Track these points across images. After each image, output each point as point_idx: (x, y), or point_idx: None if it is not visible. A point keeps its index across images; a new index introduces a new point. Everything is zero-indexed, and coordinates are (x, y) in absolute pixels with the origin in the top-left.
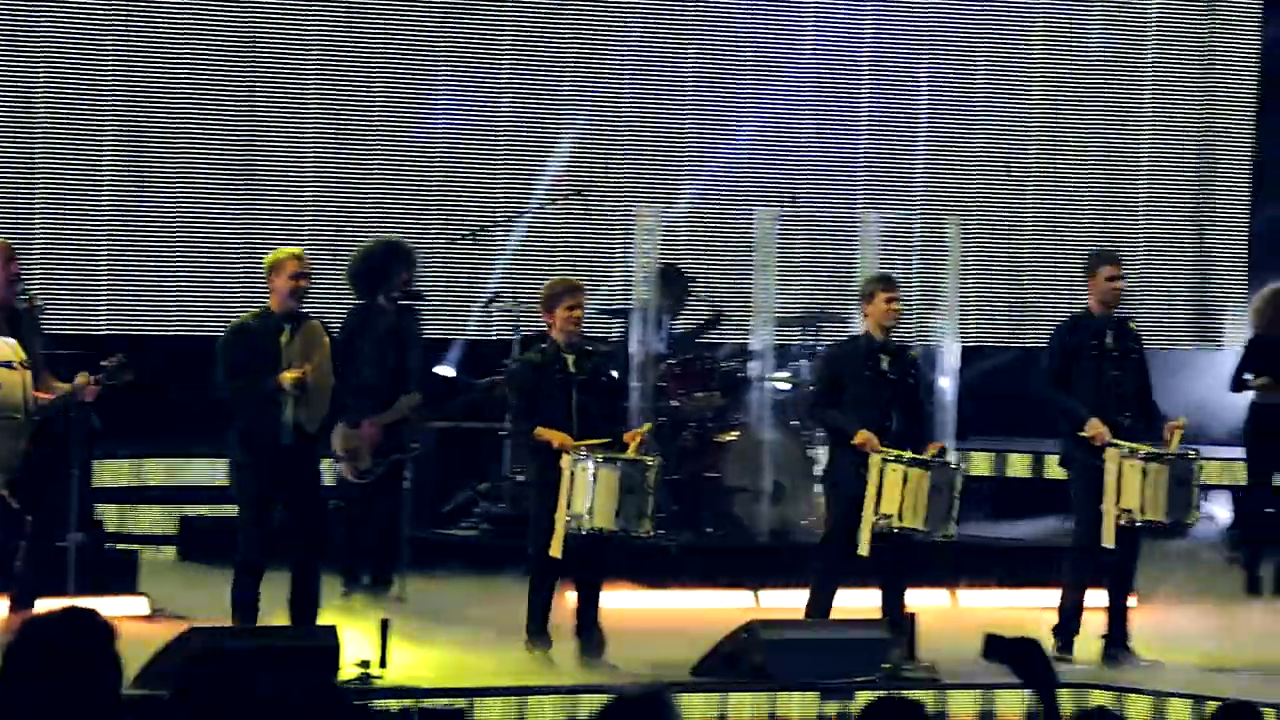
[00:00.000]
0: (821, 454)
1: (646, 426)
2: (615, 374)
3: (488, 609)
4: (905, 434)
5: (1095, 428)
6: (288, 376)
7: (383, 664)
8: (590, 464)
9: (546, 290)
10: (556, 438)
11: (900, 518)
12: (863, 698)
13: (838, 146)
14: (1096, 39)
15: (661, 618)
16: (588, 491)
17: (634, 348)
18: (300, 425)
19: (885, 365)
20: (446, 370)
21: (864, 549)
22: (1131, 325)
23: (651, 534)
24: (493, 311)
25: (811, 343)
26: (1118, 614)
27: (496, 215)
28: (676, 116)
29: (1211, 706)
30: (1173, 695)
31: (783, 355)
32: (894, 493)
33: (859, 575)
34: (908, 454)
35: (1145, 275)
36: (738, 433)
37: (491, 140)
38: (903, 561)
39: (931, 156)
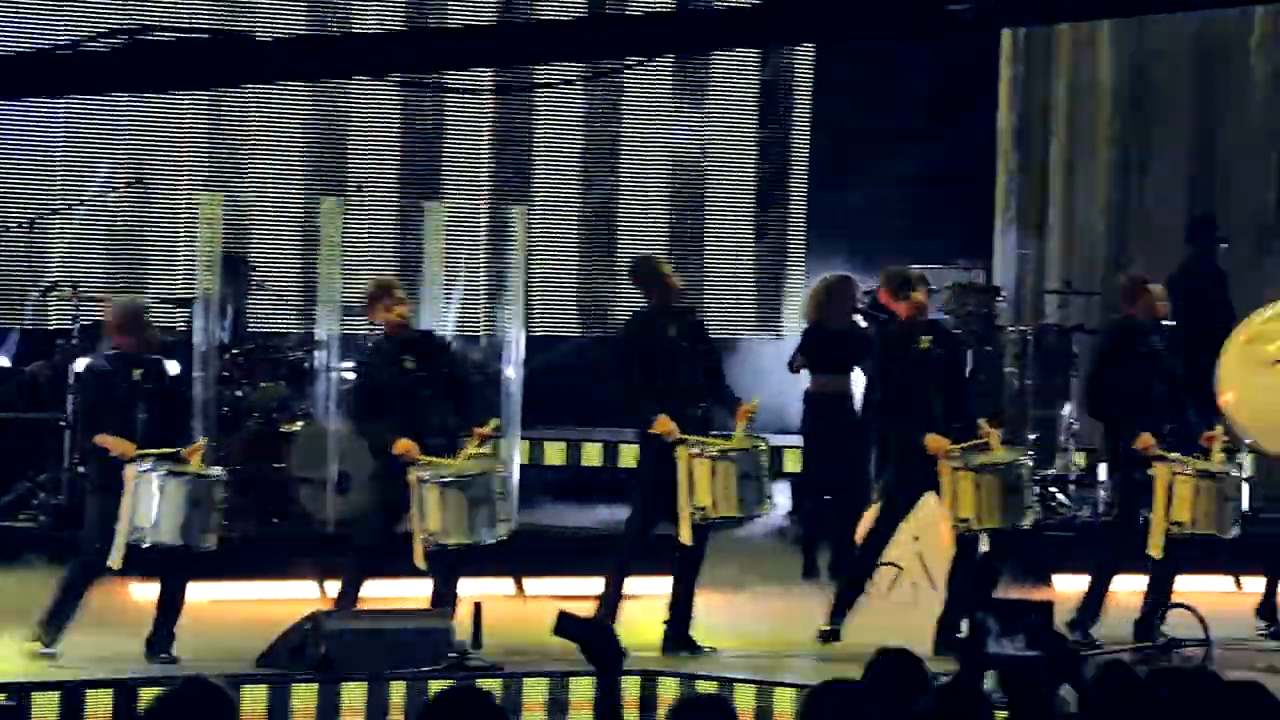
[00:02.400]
0: None
1: (202, 442)
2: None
3: (47, 602)
4: (446, 426)
5: (663, 424)
6: None
7: None
8: (156, 477)
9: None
10: (117, 446)
11: (447, 534)
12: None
13: (407, 132)
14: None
15: (226, 610)
16: (153, 505)
17: (198, 337)
18: None
19: (411, 365)
20: (1, 360)
21: (419, 561)
22: (696, 316)
23: (214, 547)
24: (50, 300)
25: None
26: (683, 603)
27: (57, 203)
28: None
29: (781, 691)
30: (740, 680)
31: (348, 344)
32: (435, 511)
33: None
34: (447, 467)
35: (711, 268)
36: (303, 423)
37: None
38: (455, 565)
39: (499, 146)
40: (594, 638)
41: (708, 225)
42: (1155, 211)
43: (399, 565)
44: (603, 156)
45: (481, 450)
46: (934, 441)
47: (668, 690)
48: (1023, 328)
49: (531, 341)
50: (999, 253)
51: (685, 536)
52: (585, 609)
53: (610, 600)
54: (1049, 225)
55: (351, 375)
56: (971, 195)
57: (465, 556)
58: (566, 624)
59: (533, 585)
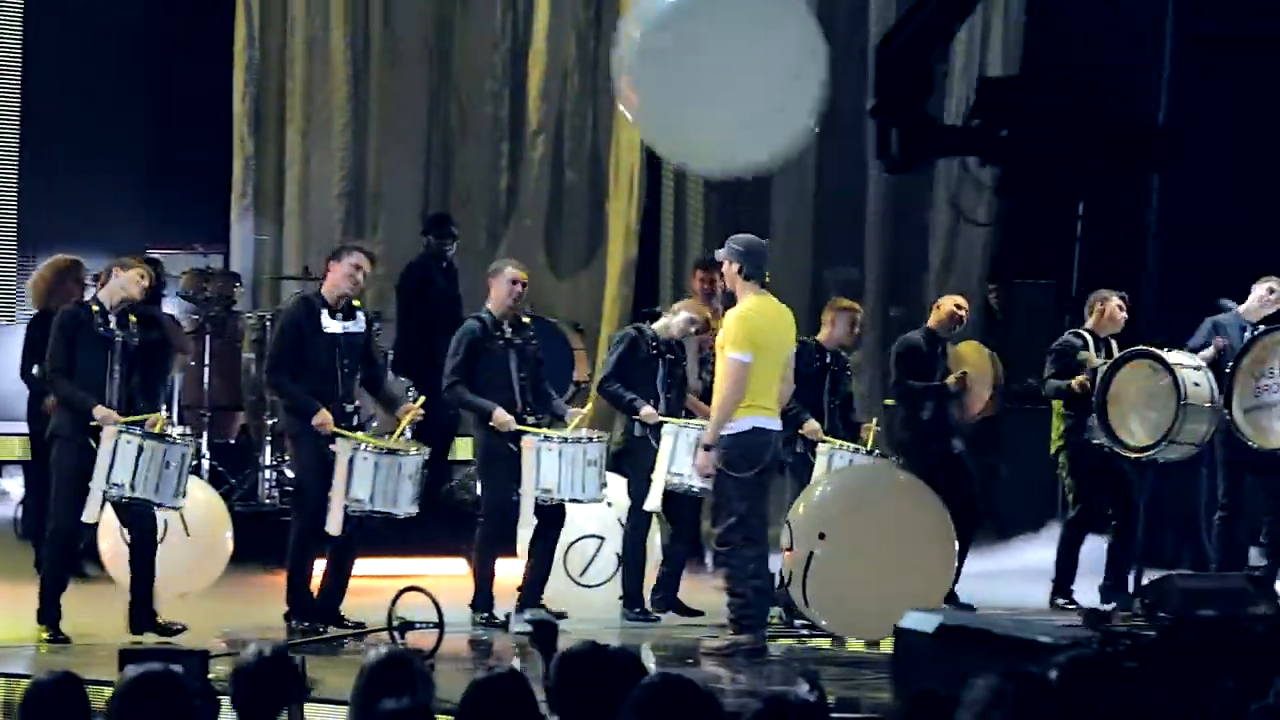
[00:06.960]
0: None
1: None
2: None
3: None
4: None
5: (102, 412)
6: None
7: None
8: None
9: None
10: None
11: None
12: None
13: None
14: None
15: None
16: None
17: None
18: None
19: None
20: None
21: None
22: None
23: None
24: None
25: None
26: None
27: None
28: None
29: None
30: None
31: None
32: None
33: None
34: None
35: None
36: None
37: None
38: None
39: None
40: None
41: None
42: (389, 198)
43: None
44: None
45: None
46: (322, 416)
47: None
48: (261, 313)
49: None
50: (236, 238)
51: (91, 515)
52: None
53: (50, 596)
54: (286, 211)
55: None
56: (208, 180)
57: None
58: None
59: None
